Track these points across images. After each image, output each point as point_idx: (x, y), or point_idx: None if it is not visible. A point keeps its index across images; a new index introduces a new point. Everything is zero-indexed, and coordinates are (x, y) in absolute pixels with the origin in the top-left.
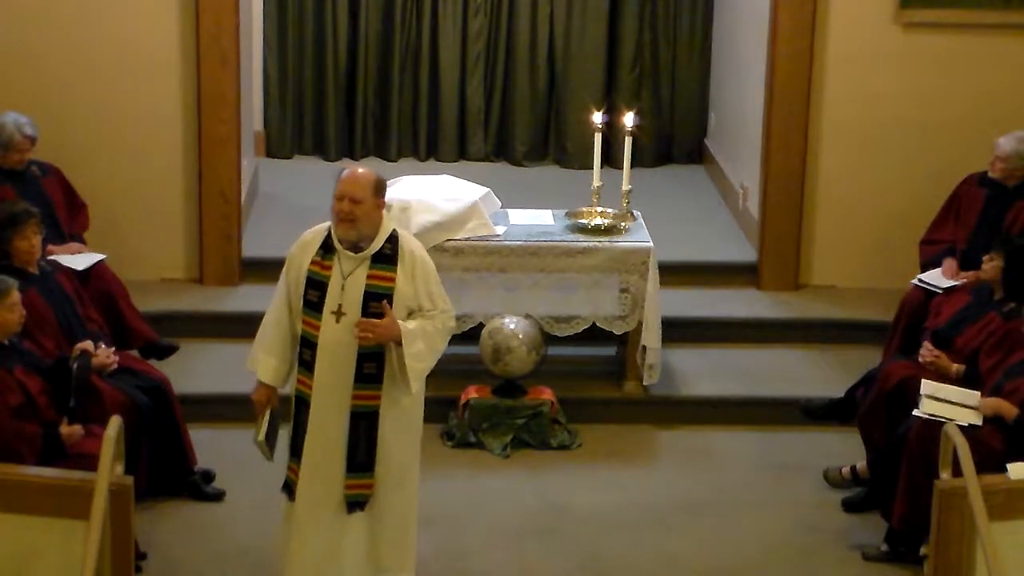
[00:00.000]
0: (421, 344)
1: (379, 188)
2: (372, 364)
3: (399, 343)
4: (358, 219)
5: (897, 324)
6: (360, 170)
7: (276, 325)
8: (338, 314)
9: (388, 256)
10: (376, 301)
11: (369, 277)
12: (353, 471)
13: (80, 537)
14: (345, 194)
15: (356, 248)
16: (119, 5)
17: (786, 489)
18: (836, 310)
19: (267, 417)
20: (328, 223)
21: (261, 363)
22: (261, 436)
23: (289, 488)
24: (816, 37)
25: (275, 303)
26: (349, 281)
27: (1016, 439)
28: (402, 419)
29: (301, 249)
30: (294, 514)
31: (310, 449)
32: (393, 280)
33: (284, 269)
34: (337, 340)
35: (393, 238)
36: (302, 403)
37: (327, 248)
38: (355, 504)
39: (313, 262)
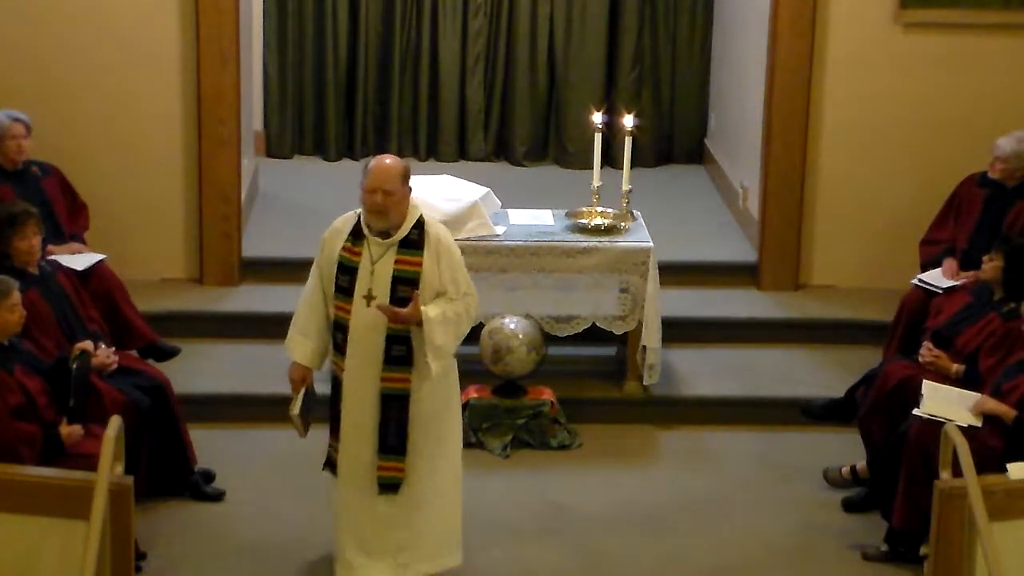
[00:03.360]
0: (441, 330)
1: (406, 176)
2: (401, 347)
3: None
4: (390, 209)
5: (897, 324)
6: (388, 161)
7: (310, 307)
8: (368, 298)
9: (415, 242)
10: (404, 285)
11: (397, 262)
12: (385, 453)
13: (80, 537)
14: (377, 187)
15: (384, 234)
16: (119, 5)
17: (786, 489)
18: (836, 310)
19: (302, 393)
20: (357, 210)
21: (297, 344)
22: (296, 409)
23: (332, 465)
24: (816, 37)
25: (309, 286)
26: (378, 266)
27: (1016, 439)
28: (434, 404)
29: (332, 235)
30: (339, 491)
31: (344, 430)
32: (420, 265)
33: (317, 255)
34: (367, 323)
35: (420, 224)
36: (337, 384)
37: (356, 235)
38: (387, 486)
39: (344, 248)
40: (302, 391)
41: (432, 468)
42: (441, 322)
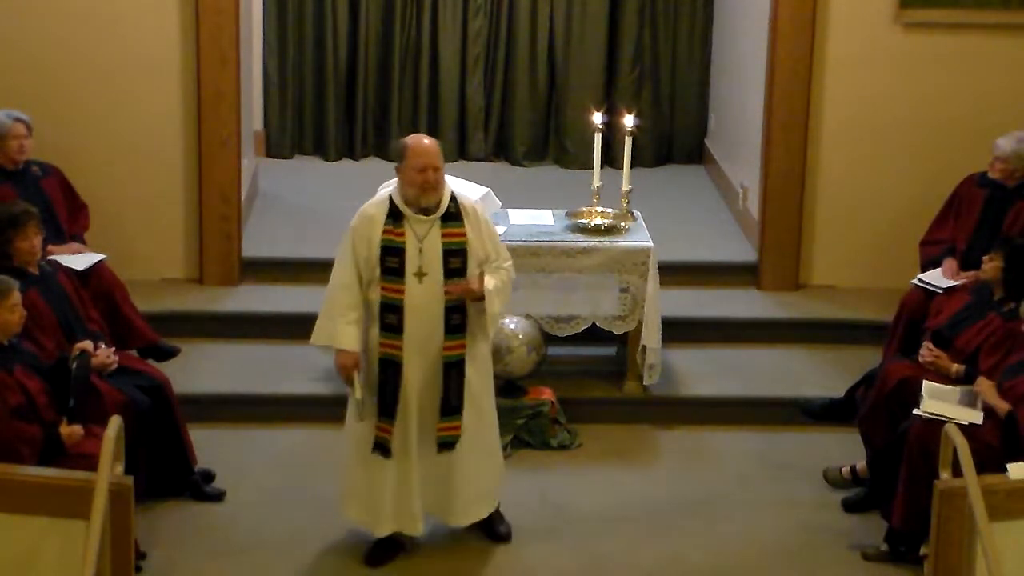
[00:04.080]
0: (498, 300)
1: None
2: (458, 315)
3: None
4: (440, 183)
5: (897, 324)
6: (427, 140)
7: (349, 295)
8: (419, 275)
9: (454, 214)
10: (454, 257)
11: (443, 236)
12: (445, 415)
13: (80, 537)
14: (427, 165)
15: (425, 211)
16: (119, 5)
17: (786, 489)
18: (836, 310)
19: (358, 377)
20: (387, 192)
21: (342, 332)
22: (360, 394)
23: (383, 447)
24: (816, 37)
25: (342, 276)
26: (425, 243)
27: (1008, 436)
28: (479, 359)
29: (367, 223)
30: (397, 467)
31: (408, 403)
32: (464, 235)
33: (348, 244)
34: (423, 299)
35: (453, 197)
36: (389, 364)
37: (395, 216)
38: (446, 445)
39: (385, 231)
40: (357, 376)
41: (481, 422)
42: (497, 293)
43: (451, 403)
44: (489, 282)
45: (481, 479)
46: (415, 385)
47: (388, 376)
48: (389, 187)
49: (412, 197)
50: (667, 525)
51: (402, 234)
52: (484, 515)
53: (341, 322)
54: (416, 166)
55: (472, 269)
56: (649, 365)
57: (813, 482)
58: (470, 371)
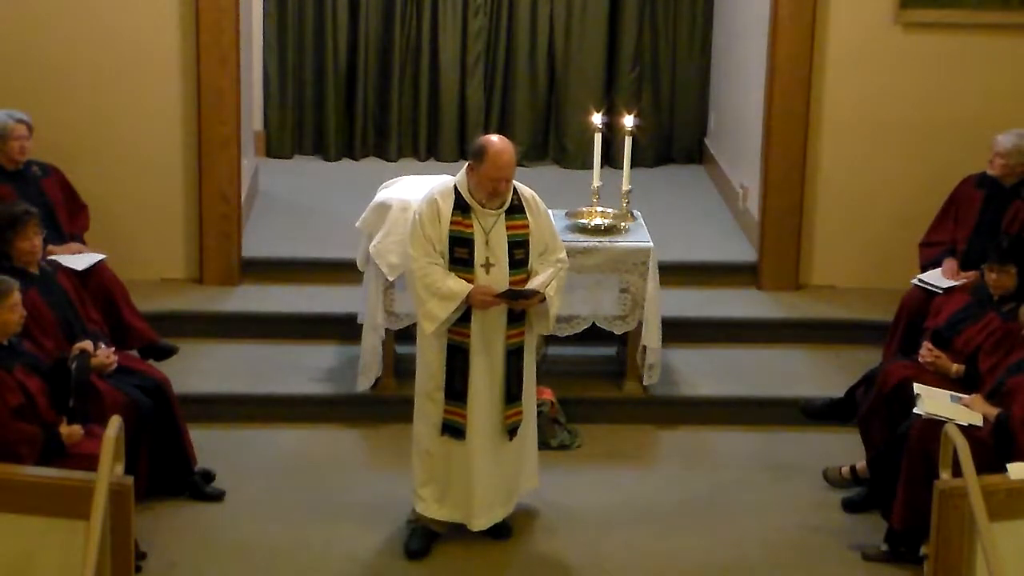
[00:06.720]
0: (557, 301)
1: None
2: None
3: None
4: (509, 191)
5: (897, 324)
6: (508, 152)
7: (437, 265)
8: (487, 266)
9: (517, 206)
10: (519, 249)
11: (508, 228)
12: (509, 402)
13: (80, 537)
14: (502, 176)
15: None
16: (119, 5)
17: (786, 489)
18: (836, 310)
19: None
20: (451, 183)
21: (454, 285)
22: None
23: (453, 430)
24: (816, 37)
25: (422, 255)
26: (492, 235)
27: (1000, 438)
28: (531, 348)
29: (436, 212)
30: (463, 451)
31: (476, 389)
32: (527, 227)
33: (417, 229)
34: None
35: (515, 189)
36: (458, 350)
37: (463, 208)
38: (513, 431)
39: (454, 222)
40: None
41: (529, 410)
42: (557, 294)
43: (511, 390)
44: (551, 287)
45: (530, 455)
46: (482, 373)
47: (456, 362)
48: (443, 178)
49: (479, 198)
50: (667, 525)
51: (470, 225)
52: (531, 489)
53: (448, 282)
54: (491, 175)
55: (532, 259)
56: (649, 365)
57: (813, 482)
58: (527, 358)
